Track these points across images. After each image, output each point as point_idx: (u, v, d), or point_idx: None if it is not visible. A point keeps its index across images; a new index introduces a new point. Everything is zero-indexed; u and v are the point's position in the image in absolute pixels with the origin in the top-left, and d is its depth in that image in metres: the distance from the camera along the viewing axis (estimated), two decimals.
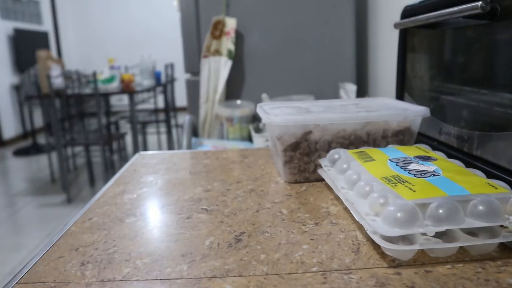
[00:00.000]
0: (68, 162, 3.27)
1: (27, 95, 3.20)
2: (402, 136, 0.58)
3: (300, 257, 0.36)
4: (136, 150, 3.07)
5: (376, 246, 0.36)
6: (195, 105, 1.41)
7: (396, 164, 0.45)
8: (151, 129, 4.79)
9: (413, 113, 0.57)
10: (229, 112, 1.29)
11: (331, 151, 0.54)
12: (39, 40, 5.37)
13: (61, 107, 2.93)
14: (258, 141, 1.13)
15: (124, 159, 3.52)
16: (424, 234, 0.34)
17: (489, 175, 0.44)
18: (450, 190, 0.37)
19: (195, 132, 1.37)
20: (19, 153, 4.28)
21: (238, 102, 1.37)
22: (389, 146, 0.55)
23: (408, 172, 0.42)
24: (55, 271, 0.36)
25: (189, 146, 1.21)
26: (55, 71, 2.80)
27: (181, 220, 0.47)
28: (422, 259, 0.34)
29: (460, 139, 0.56)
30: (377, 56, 1.38)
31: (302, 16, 1.36)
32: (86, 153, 3.06)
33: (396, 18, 0.72)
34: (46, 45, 5.50)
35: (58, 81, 2.78)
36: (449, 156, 0.51)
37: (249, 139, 1.31)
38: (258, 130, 1.26)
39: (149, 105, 4.65)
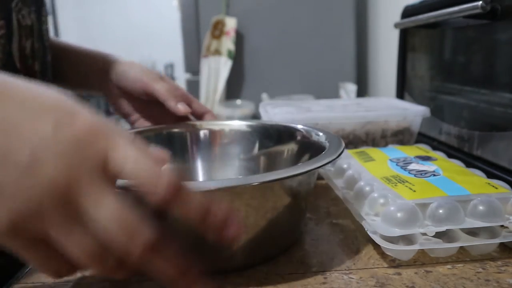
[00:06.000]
0: None
1: None
2: (402, 136, 0.58)
3: (300, 257, 0.36)
4: None
5: (376, 246, 0.35)
6: None
7: (396, 164, 0.45)
8: None
9: (413, 113, 0.57)
10: (229, 112, 1.29)
11: None
12: None
13: None
14: None
15: None
16: (424, 234, 0.34)
17: (489, 175, 0.44)
18: (450, 190, 0.37)
19: None
20: None
21: (238, 102, 1.37)
22: (389, 146, 0.55)
23: (408, 172, 0.42)
24: None
25: None
26: None
27: None
28: (422, 259, 0.34)
29: (460, 139, 0.56)
30: (377, 56, 1.38)
31: (302, 16, 1.36)
32: None
33: (396, 18, 0.72)
34: None
35: None
36: (449, 156, 0.50)
37: None
38: None
39: None
